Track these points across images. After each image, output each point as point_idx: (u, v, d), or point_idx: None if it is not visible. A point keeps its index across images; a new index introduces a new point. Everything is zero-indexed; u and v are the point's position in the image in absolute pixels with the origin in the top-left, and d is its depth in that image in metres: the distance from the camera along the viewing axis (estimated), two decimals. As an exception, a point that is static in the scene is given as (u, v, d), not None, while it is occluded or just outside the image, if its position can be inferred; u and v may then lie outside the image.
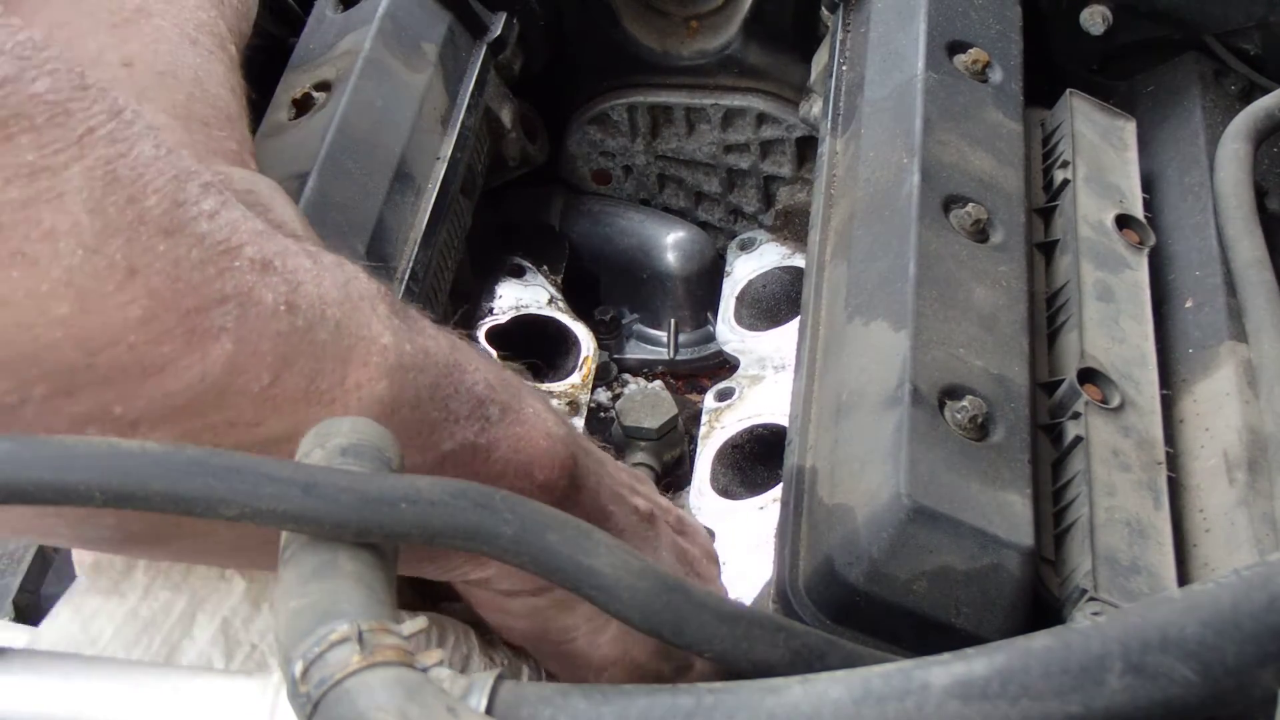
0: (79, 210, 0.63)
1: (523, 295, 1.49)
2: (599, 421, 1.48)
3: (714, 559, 1.04)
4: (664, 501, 1.03)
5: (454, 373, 0.81)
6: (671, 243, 1.57)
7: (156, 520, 0.71)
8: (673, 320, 1.58)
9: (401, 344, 0.76)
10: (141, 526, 0.72)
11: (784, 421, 1.08)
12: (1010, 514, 0.87)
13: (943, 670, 0.57)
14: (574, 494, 0.87)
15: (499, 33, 1.37)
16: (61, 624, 0.82)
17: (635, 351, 1.59)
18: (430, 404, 0.78)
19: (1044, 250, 1.09)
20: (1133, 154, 1.17)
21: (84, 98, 0.65)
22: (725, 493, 1.35)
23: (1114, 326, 1.02)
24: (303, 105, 1.19)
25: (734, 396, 1.43)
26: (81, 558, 0.89)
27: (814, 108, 1.33)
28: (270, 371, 0.69)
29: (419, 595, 0.91)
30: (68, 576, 0.93)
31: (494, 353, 1.43)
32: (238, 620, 0.83)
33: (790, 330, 1.41)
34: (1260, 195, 1.14)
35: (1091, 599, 0.85)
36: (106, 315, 0.64)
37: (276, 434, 0.70)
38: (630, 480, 0.98)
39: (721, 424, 1.40)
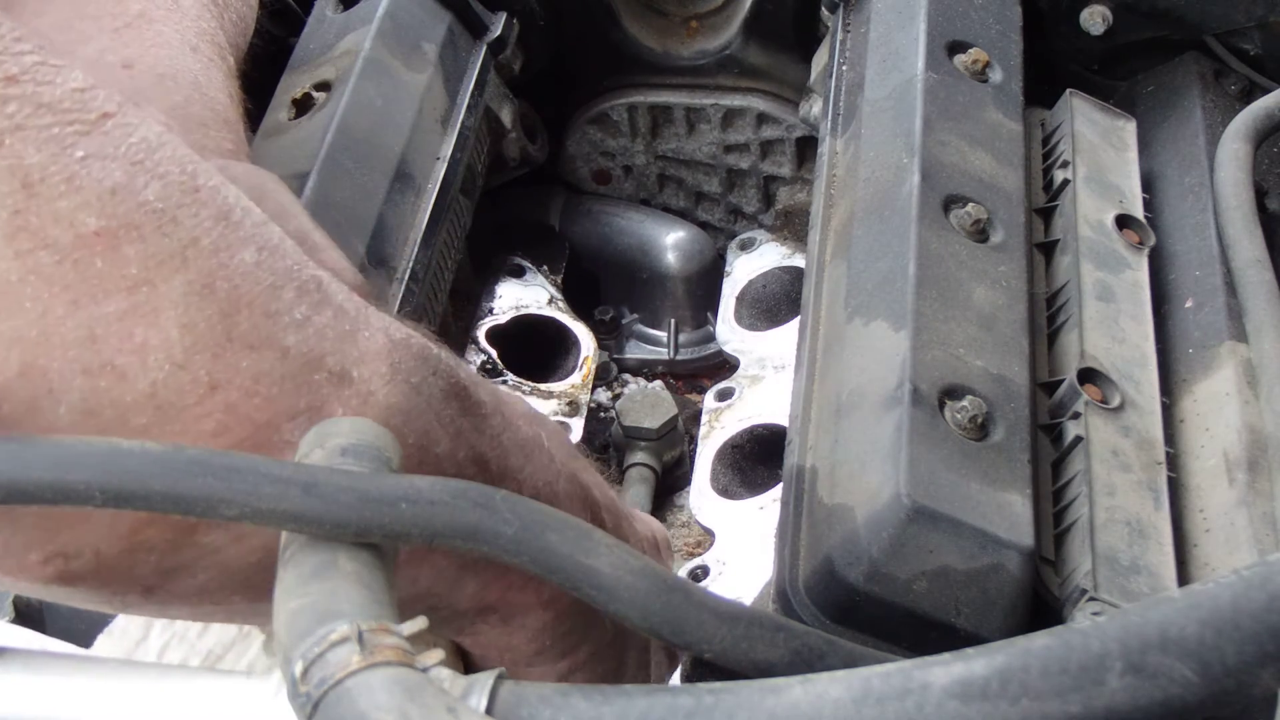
0: (172, 326, 0.63)
1: (523, 295, 1.49)
2: (599, 421, 1.48)
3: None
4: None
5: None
6: (671, 243, 1.57)
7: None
8: (673, 320, 1.58)
9: (456, 452, 0.75)
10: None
11: (784, 421, 1.07)
12: (1010, 514, 0.87)
13: (943, 670, 0.57)
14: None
15: (499, 33, 1.37)
16: None
17: (635, 351, 1.59)
18: None
19: (1044, 250, 1.08)
20: (1133, 154, 1.17)
21: (193, 203, 0.65)
22: (725, 493, 1.35)
23: (1114, 326, 1.02)
24: (303, 105, 1.19)
25: (734, 396, 1.43)
26: None
27: (814, 108, 1.33)
28: None
29: None
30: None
31: (494, 353, 1.44)
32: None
33: (790, 330, 1.41)
34: (1260, 195, 1.14)
35: (1091, 599, 0.85)
36: (183, 427, 0.64)
37: None
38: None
39: (721, 424, 1.40)
